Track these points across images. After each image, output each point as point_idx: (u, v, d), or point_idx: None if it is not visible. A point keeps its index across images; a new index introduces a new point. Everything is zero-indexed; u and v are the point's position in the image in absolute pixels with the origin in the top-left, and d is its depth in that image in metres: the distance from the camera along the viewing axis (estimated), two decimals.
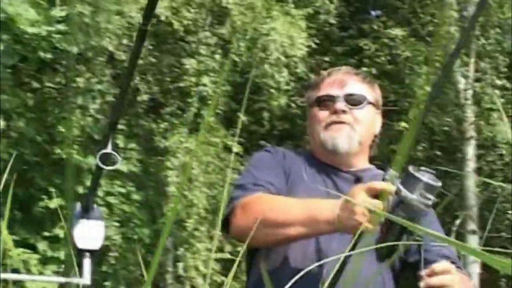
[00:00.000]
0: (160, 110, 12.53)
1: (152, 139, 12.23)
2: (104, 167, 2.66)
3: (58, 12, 10.08)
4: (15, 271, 3.19)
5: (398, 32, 13.47)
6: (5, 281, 2.99)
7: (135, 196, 11.84)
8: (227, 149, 12.24)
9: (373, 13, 15.86)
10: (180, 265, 11.82)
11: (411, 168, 2.03)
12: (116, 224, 11.62)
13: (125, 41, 11.74)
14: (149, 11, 2.34)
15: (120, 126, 12.03)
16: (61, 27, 10.06)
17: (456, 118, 13.36)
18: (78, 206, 2.97)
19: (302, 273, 1.71)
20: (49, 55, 10.47)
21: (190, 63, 12.01)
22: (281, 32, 11.69)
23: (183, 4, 11.95)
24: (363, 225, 2.05)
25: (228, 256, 12.26)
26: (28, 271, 10.44)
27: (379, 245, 2.07)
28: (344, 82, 2.59)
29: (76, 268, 2.86)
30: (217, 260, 12.12)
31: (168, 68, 12.43)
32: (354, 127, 2.52)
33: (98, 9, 10.92)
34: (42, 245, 11.37)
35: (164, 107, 12.53)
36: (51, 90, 11.78)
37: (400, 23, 13.96)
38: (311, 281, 2.22)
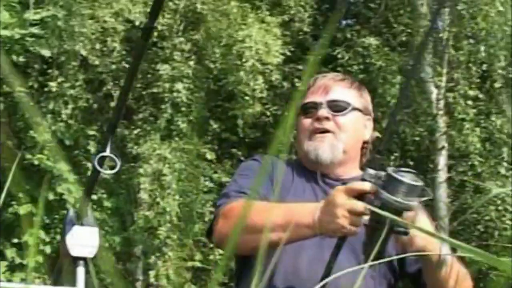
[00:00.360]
0: (132, 116, 12.40)
1: (124, 145, 12.09)
2: (103, 171, 2.54)
3: (32, 15, 9.93)
4: None
5: (371, 41, 13.44)
6: None
7: (106, 203, 11.70)
8: (201, 156, 12.15)
9: (343, 22, 15.87)
10: (151, 273, 11.68)
11: (391, 170, 1.97)
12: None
13: (98, 46, 11.61)
14: (156, 10, 2.24)
15: (91, 132, 11.89)
16: (35, 30, 9.92)
17: (428, 128, 13.36)
18: (71, 212, 2.85)
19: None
20: (21, 58, 10.32)
21: (163, 69, 11.90)
22: (257, 39, 11.62)
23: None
24: (345, 227, 2.02)
25: (199, 264, 12.18)
26: None
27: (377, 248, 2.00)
28: (328, 88, 2.54)
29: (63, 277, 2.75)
30: (187, 268, 12.03)
31: (141, 74, 12.31)
32: (338, 134, 2.47)
33: (71, 13, 10.79)
34: (10, 252, 11.19)
35: (137, 113, 12.40)
36: (22, 95, 11.61)
37: (374, 33, 13.95)
38: None
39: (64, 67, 11.50)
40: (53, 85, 11.39)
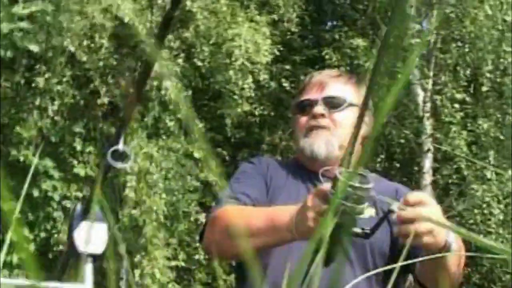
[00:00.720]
0: (119, 114, 12.31)
1: (111, 143, 11.99)
2: (116, 164, 2.46)
3: (20, 9, 9.83)
4: None
5: (359, 42, 13.43)
6: None
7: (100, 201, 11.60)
8: (188, 155, 12.09)
9: (329, 23, 15.88)
10: (136, 272, 11.60)
11: (338, 174, 1.90)
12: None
13: (85, 42, 11.53)
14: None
15: (77, 129, 11.80)
16: (23, 24, 9.82)
17: (415, 130, 13.37)
18: (79, 206, 2.77)
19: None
20: (9, 54, 10.21)
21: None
22: (246, 38, 11.58)
23: (146, 7, 11.77)
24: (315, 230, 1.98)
25: (183, 264, 12.12)
26: None
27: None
28: (323, 85, 2.52)
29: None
30: (171, 268, 11.97)
31: (128, 71, 12.24)
32: (334, 131, 2.44)
33: (60, 8, 10.70)
34: None
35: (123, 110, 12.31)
36: (7, 90, 11.52)
37: (362, 34, 13.95)
38: None
39: (52, 63, 11.40)
40: (40, 80, 11.29)
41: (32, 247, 11.43)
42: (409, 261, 2.19)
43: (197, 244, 12.06)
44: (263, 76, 12.21)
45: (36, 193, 11.32)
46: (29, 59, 11.50)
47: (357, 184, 1.89)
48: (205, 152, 12.22)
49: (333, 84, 2.52)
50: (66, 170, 11.75)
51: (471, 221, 12.73)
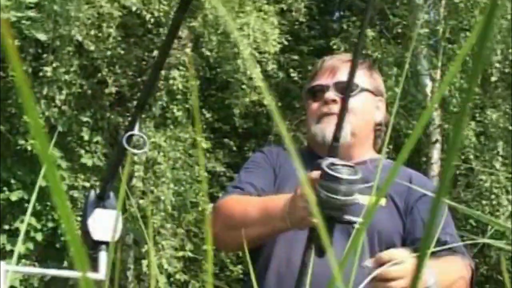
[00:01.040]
0: (126, 103, 12.29)
1: (118, 133, 11.98)
2: (132, 150, 2.41)
3: None
4: None
5: (368, 32, 13.35)
6: None
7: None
8: (196, 145, 12.07)
9: (337, 13, 15.83)
10: (144, 262, 11.59)
11: (325, 167, 1.89)
12: (80, 218, 11.32)
13: (93, 32, 11.48)
14: None
15: (85, 119, 11.77)
16: (30, 13, 9.78)
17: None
18: (93, 193, 2.72)
19: None
20: (16, 42, 10.18)
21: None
22: (255, 27, 11.53)
23: None
24: (305, 219, 1.96)
25: (190, 254, 12.10)
26: None
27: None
28: (335, 69, 2.48)
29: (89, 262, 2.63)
30: (178, 258, 11.95)
31: (136, 61, 12.20)
32: (346, 116, 2.28)
33: None
34: (1, 239, 11.08)
35: (131, 100, 12.28)
36: (15, 79, 11.47)
37: (370, 24, 13.87)
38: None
39: (59, 52, 11.37)
40: (48, 70, 11.26)
41: (39, 236, 11.43)
42: None
43: (205, 235, 12.05)
44: (271, 66, 12.15)
45: (43, 182, 11.28)
46: (36, 48, 11.48)
47: (352, 177, 1.88)
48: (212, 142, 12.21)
49: (345, 69, 2.41)
50: (73, 160, 11.73)
51: (479, 212, 12.67)
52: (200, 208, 11.98)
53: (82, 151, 11.76)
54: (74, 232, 0.44)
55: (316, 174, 1.94)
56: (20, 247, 10.84)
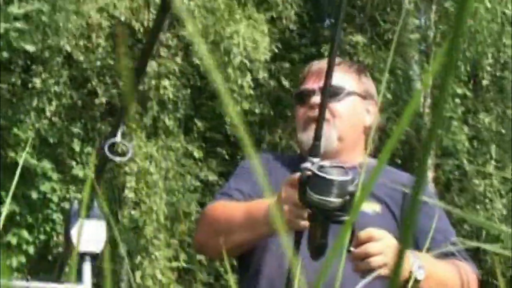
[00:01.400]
0: (117, 113, 12.23)
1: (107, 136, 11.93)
2: (114, 158, 2.36)
3: (16, 8, 9.73)
4: None
5: (359, 39, 13.34)
6: None
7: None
8: (188, 155, 12.02)
9: (327, 21, 15.80)
10: (137, 273, 11.51)
11: (314, 168, 1.86)
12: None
13: (82, 42, 11.44)
14: None
15: (75, 130, 11.71)
16: (19, 24, 9.73)
17: (415, 126, 13.29)
18: (76, 204, 2.67)
19: None
20: (5, 54, 10.13)
21: (150, 66, 11.75)
22: (245, 35, 11.49)
23: (143, 5, 11.68)
24: (291, 222, 1.92)
25: (184, 264, 12.04)
26: None
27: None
28: (322, 73, 2.34)
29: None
30: (172, 269, 11.89)
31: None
32: (332, 122, 2.36)
33: (56, 8, 10.61)
34: None
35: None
36: (4, 91, 11.44)
37: (361, 30, 13.86)
38: None
39: (48, 63, 11.32)
40: (37, 81, 11.20)
41: (31, 249, 11.35)
42: None
43: None
44: (262, 74, 12.11)
45: (34, 195, 11.24)
46: (25, 60, 11.42)
47: (343, 178, 1.84)
48: (204, 151, 12.16)
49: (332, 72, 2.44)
50: (64, 171, 11.67)
51: (474, 218, 12.64)
52: (193, 218, 11.93)
53: (73, 163, 11.70)
54: None
55: (298, 176, 1.92)
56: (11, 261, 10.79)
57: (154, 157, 11.59)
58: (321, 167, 1.87)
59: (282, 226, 1.95)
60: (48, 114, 11.32)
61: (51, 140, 11.36)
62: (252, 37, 11.63)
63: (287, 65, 13.54)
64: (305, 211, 1.92)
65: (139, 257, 11.50)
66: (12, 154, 11.13)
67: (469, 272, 2.25)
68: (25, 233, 11.26)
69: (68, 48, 11.14)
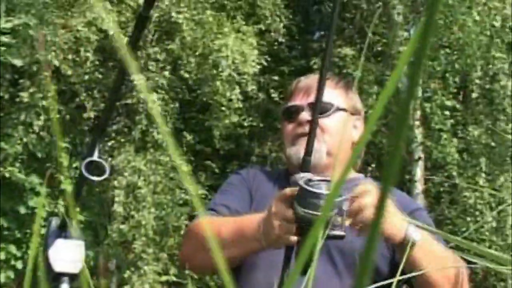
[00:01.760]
0: (106, 128, 12.18)
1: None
2: (91, 177, 2.32)
3: (3, 23, 9.72)
4: None
5: (347, 51, 13.34)
6: None
7: (79, 217, 11.48)
8: (177, 168, 11.99)
9: (317, 33, 15.83)
10: None
11: (302, 183, 1.84)
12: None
13: (70, 56, 11.41)
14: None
15: (64, 145, 11.66)
16: (5, 39, 9.71)
17: (405, 139, 13.28)
18: (54, 223, 2.62)
19: None
20: None
21: (138, 79, 11.71)
22: (233, 48, 11.48)
23: (131, 19, 11.67)
24: (281, 237, 1.91)
25: (174, 278, 12.00)
26: None
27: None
28: (309, 90, 2.44)
29: None
30: (162, 283, 11.85)
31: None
32: (321, 137, 2.35)
33: (43, 22, 10.60)
34: None
35: (110, 124, 12.19)
36: None
37: (350, 43, 13.87)
38: None
39: (36, 77, 11.28)
40: (25, 95, 11.16)
41: (19, 264, 11.29)
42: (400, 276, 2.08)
43: None
44: (251, 87, 12.10)
45: (23, 210, 11.19)
46: (12, 74, 11.39)
47: (323, 191, 1.83)
48: (193, 165, 12.12)
49: None
50: (53, 186, 11.63)
51: (464, 229, 12.63)
52: (182, 232, 11.89)
53: (62, 177, 11.66)
54: None
55: (290, 190, 1.91)
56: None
57: (143, 171, 11.56)
58: (309, 181, 1.85)
59: (273, 241, 1.94)
60: (36, 128, 11.28)
61: (39, 155, 11.32)
62: (240, 50, 11.62)
63: (276, 77, 13.55)
64: (293, 226, 1.91)
65: (128, 272, 11.45)
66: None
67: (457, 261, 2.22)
68: (13, 248, 11.20)
69: (56, 62, 11.12)
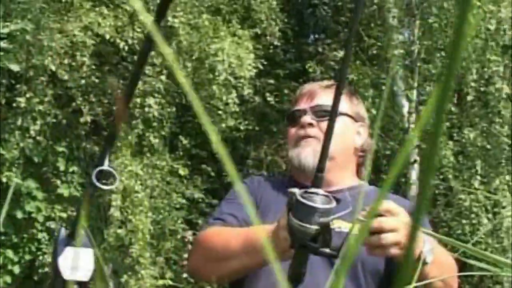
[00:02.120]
0: (102, 132, 12.20)
1: (94, 162, 11.87)
2: (101, 186, 2.33)
3: (0, 28, 9.72)
4: None
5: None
6: None
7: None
8: (173, 172, 11.99)
9: (311, 36, 15.83)
10: None
11: (298, 195, 1.83)
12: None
13: (66, 61, 11.41)
14: (163, 7, 2.03)
15: (60, 149, 11.66)
16: (3, 44, 9.71)
17: (400, 142, 13.31)
18: (63, 231, 2.63)
19: None
20: None
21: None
22: (229, 52, 11.50)
23: (127, 24, 11.67)
24: (287, 250, 1.89)
25: (170, 282, 11.99)
26: None
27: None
28: (313, 95, 2.48)
29: None
30: (159, 287, 11.85)
31: (111, 89, 12.13)
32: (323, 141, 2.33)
33: (40, 27, 10.60)
34: None
35: (107, 129, 12.19)
36: None
37: (345, 46, 13.87)
38: None
39: (33, 82, 11.28)
40: (21, 100, 11.16)
41: (17, 269, 11.28)
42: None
43: (185, 262, 11.95)
44: (247, 91, 12.11)
45: (19, 214, 11.19)
46: (9, 79, 11.39)
47: (327, 206, 1.82)
48: (189, 169, 12.13)
49: (323, 93, 2.48)
50: (49, 190, 11.62)
51: (459, 232, 12.65)
52: (179, 236, 11.90)
53: (58, 182, 11.65)
54: None
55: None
56: None
57: (140, 175, 11.56)
58: (305, 193, 1.85)
59: (281, 254, 1.94)
60: (32, 133, 11.27)
61: (36, 159, 11.31)
62: (236, 54, 11.63)
63: (271, 81, 13.56)
64: None
65: (125, 276, 11.45)
66: None
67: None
68: (10, 253, 11.19)
69: (53, 67, 11.11)
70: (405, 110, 13.07)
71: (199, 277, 2.46)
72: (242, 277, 2.31)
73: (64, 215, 11.43)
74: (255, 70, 12.02)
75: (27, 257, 11.44)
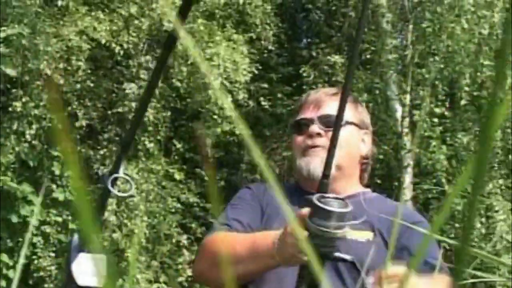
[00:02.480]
0: (97, 136, 12.19)
1: (90, 166, 11.87)
2: (117, 193, 2.36)
3: None
4: None
5: (336, 59, 13.39)
6: None
7: (72, 225, 11.47)
8: (168, 176, 11.98)
9: (304, 40, 15.85)
10: None
11: (315, 200, 1.88)
12: (52, 254, 11.24)
13: (62, 65, 11.40)
14: (183, 15, 2.06)
15: (55, 153, 11.65)
16: None
17: (394, 146, 13.34)
18: (76, 237, 2.66)
19: None
20: None
21: (130, 88, 11.73)
22: (224, 57, 11.51)
23: (122, 28, 11.67)
24: (295, 256, 1.94)
25: (165, 286, 11.99)
26: None
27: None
28: (320, 103, 2.48)
29: None
30: None
31: (106, 93, 12.12)
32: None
33: (36, 31, 10.59)
34: None
35: (102, 133, 12.19)
36: None
37: (338, 50, 13.91)
38: None
39: (28, 87, 11.27)
40: (17, 104, 11.15)
41: (12, 273, 11.25)
42: None
43: (179, 266, 11.96)
44: (242, 95, 12.12)
45: (15, 218, 11.16)
46: (5, 83, 11.37)
47: (343, 210, 1.85)
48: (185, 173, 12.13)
49: (330, 102, 2.46)
50: (45, 194, 11.60)
51: (452, 235, 12.68)
52: (174, 240, 11.89)
53: (54, 186, 11.63)
54: None
55: (306, 210, 1.92)
56: None
57: (135, 179, 11.54)
58: (321, 198, 1.88)
59: (288, 259, 1.97)
60: (28, 137, 11.26)
61: (31, 163, 11.29)
62: (232, 58, 11.64)
63: (265, 85, 13.57)
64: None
65: (120, 280, 11.43)
66: None
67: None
68: (5, 257, 11.16)
69: (48, 71, 11.11)
70: (399, 114, 13.10)
71: (205, 282, 2.46)
72: (248, 282, 2.32)
73: (59, 219, 11.41)
74: (250, 75, 12.03)
75: (22, 261, 11.41)
